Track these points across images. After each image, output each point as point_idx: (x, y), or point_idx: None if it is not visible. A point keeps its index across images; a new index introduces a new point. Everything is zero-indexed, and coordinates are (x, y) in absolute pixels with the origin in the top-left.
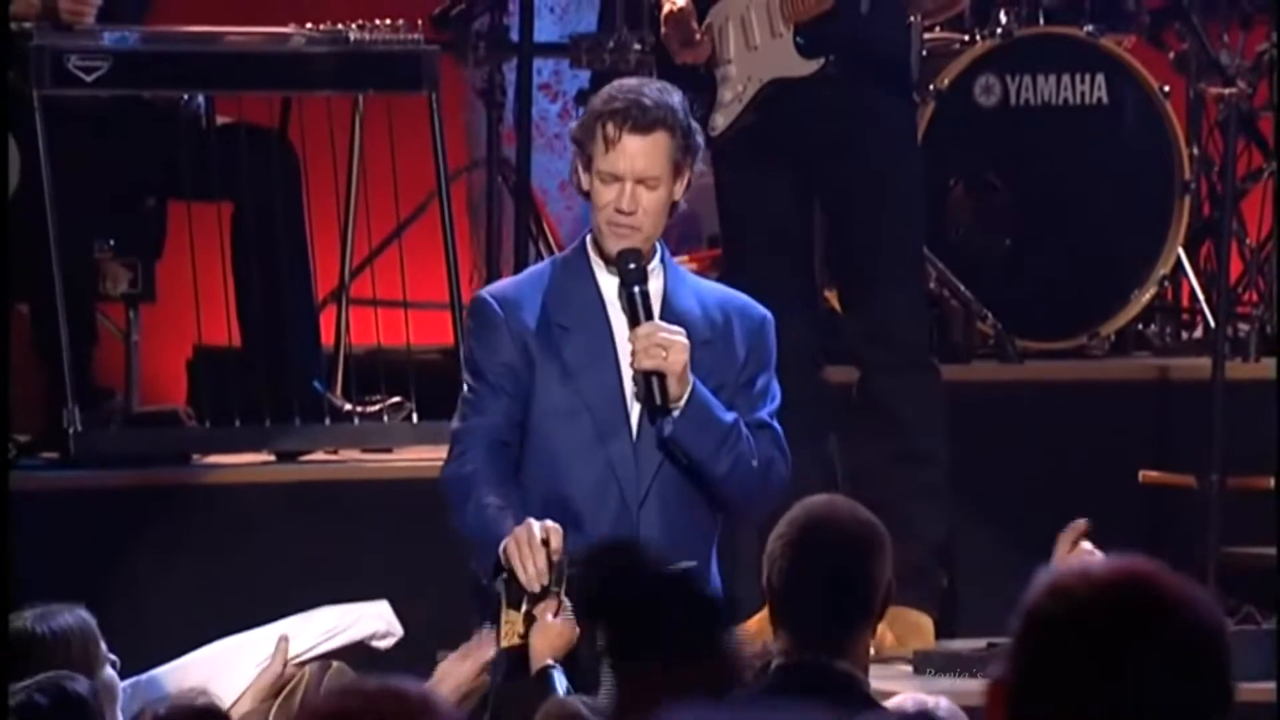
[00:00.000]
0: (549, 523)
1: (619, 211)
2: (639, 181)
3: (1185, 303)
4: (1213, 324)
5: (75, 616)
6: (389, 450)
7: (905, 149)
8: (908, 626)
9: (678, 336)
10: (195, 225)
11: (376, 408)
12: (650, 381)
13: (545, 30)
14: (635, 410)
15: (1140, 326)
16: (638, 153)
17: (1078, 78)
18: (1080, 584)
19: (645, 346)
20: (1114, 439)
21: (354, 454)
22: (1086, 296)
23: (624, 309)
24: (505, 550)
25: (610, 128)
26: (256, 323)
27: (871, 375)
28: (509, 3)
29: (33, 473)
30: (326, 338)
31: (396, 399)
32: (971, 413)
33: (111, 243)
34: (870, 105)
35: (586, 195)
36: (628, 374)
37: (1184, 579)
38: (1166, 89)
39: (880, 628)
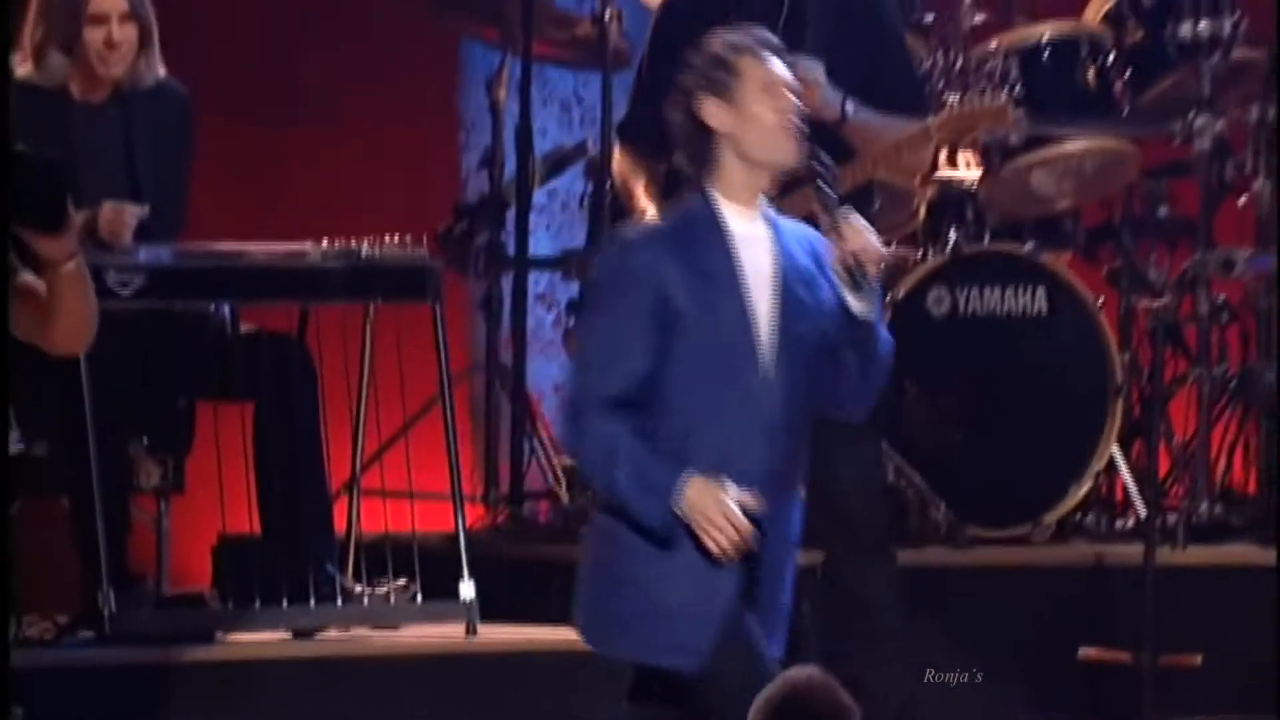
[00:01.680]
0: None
1: (791, 113)
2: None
3: (1119, 495)
4: (1144, 514)
5: None
6: (396, 628)
7: None
8: None
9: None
10: (221, 423)
11: (385, 589)
12: (856, 263)
13: (540, 246)
14: (764, 341)
15: (1078, 516)
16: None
17: (1020, 290)
18: None
19: (864, 240)
20: (1055, 618)
21: (364, 631)
22: (1030, 488)
23: (821, 204)
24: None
25: (757, 49)
26: (275, 513)
27: (837, 560)
28: (506, 221)
29: (72, 651)
30: (339, 525)
31: (403, 581)
32: (927, 594)
33: (145, 440)
34: None
35: (707, 131)
36: (758, 308)
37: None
38: (1101, 301)
39: None
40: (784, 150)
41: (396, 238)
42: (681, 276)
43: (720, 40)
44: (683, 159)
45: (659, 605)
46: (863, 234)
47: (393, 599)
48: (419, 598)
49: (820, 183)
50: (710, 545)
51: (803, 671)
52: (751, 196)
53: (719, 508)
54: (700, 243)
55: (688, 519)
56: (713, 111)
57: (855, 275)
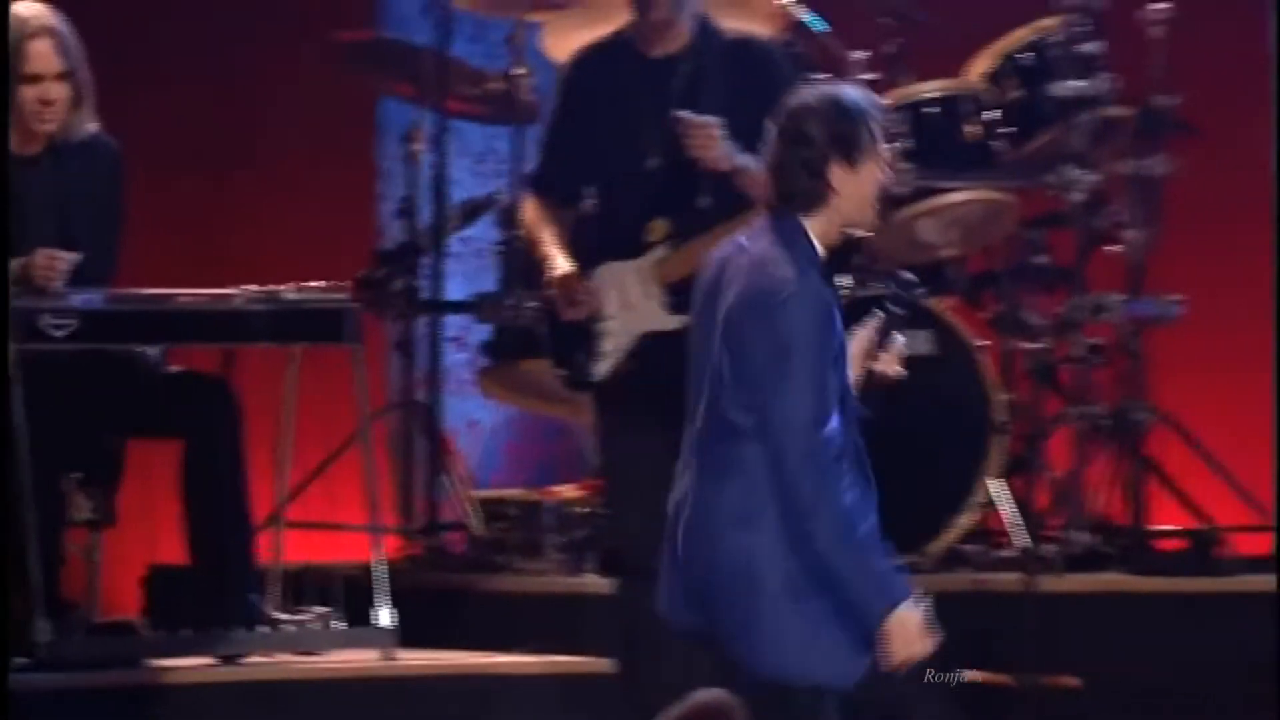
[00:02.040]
0: None
1: (884, 187)
2: None
3: (1000, 526)
4: (1024, 544)
5: None
6: (317, 653)
7: None
8: None
9: None
10: (150, 459)
11: (307, 616)
12: (875, 381)
13: (454, 290)
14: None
15: (962, 546)
16: None
17: (907, 333)
18: None
19: (894, 365)
20: (939, 643)
21: (286, 656)
22: (916, 520)
23: (884, 316)
24: None
25: (881, 120)
26: (202, 544)
27: None
28: (422, 267)
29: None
30: (264, 556)
31: (325, 608)
32: None
33: (77, 475)
34: None
35: (827, 188)
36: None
37: None
38: (984, 343)
39: None
40: (870, 219)
41: (318, 283)
42: (829, 306)
43: (858, 102)
44: (784, 191)
45: (827, 628)
46: (895, 360)
47: (314, 625)
48: (339, 624)
49: (895, 299)
50: (892, 656)
51: (710, 693)
52: (824, 246)
53: (919, 636)
54: (824, 289)
55: (887, 628)
56: (838, 175)
57: (867, 387)
